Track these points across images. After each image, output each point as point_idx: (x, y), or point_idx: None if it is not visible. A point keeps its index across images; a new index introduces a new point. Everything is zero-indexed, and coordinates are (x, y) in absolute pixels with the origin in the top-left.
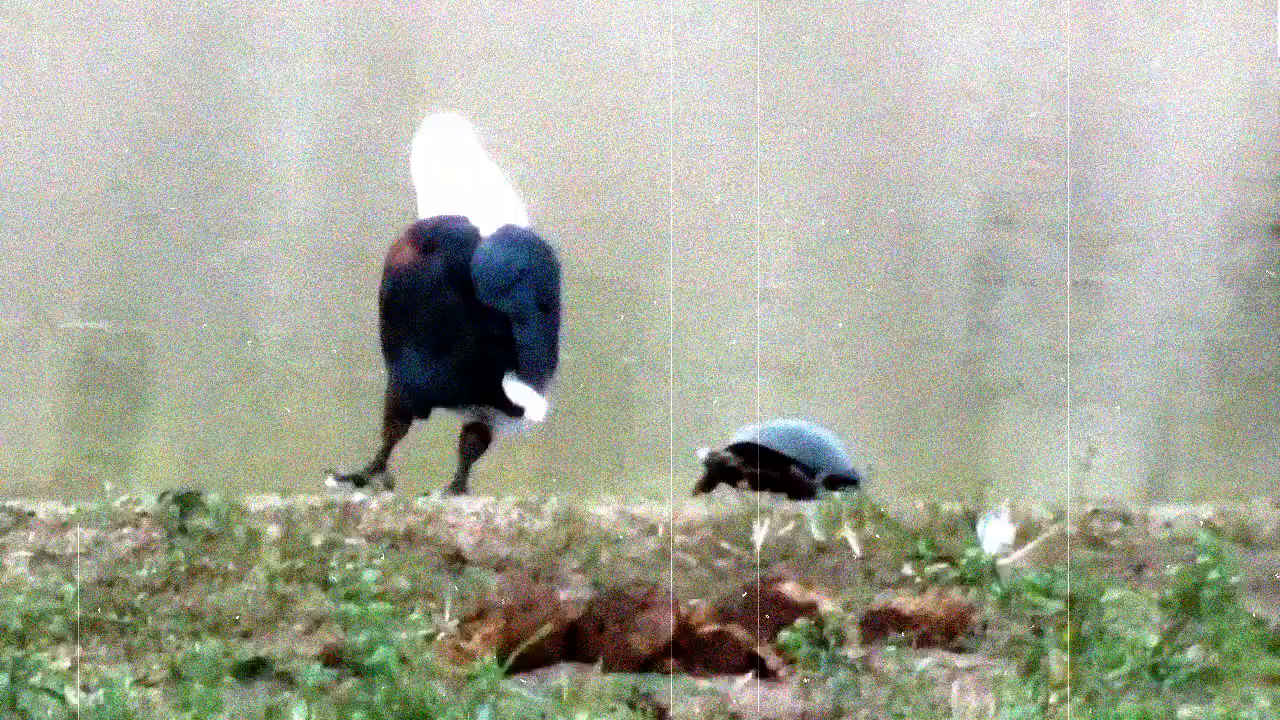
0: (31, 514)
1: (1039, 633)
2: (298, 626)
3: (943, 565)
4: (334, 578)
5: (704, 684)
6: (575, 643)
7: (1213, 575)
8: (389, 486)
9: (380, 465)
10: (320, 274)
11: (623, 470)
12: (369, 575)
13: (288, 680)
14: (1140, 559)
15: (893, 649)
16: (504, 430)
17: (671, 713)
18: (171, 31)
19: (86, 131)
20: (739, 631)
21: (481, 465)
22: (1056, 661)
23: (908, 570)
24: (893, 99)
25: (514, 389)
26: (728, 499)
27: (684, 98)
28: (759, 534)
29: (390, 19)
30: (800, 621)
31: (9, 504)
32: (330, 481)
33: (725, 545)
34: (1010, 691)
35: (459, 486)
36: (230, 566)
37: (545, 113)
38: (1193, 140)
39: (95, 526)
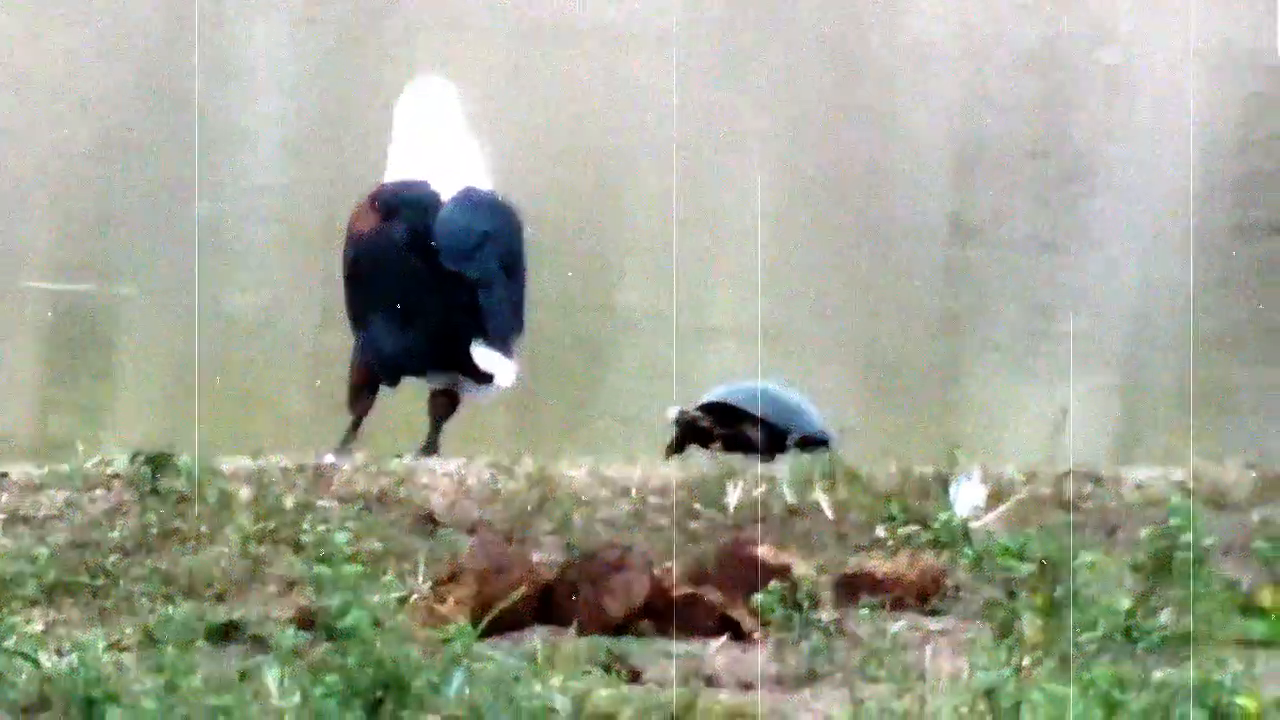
0: (4, 475)
1: (1012, 595)
2: (271, 589)
3: (915, 528)
4: (306, 539)
5: (678, 646)
6: (549, 605)
7: (1185, 538)
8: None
9: (351, 439)
10: (291, 236)
11: (594, 432)
12: (341, 537)
13: (261, 643)
14: (1113, 521)
15: (866, 612)
16: (474, 396)
17: (645, 675)
18: None
19: (57, 94)
20: (713, 594)
21: (453, 426)
22: (1029, 624)
23: (880, 533)
24: (868, 60)
25: (482, 355)
26: (699, 460)
27: (661, 61)
28: (732, 496)
29: None
30: (774, 584)
31: None
32: (329, 458)
33: (698, 507)
34: (983, 654)
35: (431, 448)
36: (203, 529)
37: (517, 79)
38: (1163, 101)
39: (67, 488)
